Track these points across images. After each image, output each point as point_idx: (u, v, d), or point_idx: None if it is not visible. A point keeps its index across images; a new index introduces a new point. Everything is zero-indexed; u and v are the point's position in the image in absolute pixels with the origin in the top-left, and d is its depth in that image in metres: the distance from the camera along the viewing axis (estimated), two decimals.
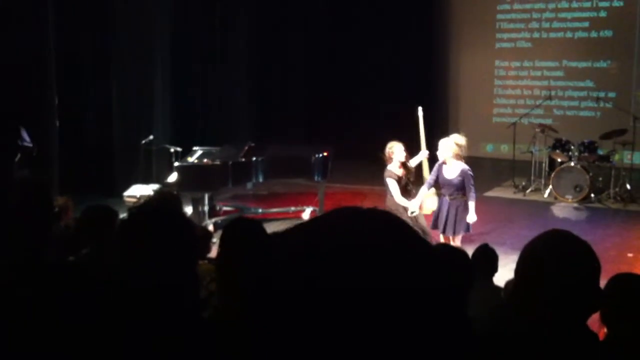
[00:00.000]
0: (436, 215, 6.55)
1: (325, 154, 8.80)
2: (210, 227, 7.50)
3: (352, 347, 0.67)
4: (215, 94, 12.36)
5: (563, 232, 1.82)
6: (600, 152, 10.28)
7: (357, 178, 11.07)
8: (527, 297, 1.75)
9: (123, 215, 2.21)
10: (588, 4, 11.84)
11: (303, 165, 8.78)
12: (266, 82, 13.36)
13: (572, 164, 10.08)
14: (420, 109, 7.08)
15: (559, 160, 10.36)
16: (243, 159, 8.39)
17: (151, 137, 10.04)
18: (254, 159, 8.44)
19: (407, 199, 6.44)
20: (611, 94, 11.62)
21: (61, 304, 1.23)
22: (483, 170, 10.61)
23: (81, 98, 10.04)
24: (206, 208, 8.26)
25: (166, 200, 4.22)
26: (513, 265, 1.84)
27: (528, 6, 12.31)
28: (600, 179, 10.39)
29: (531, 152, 10.84)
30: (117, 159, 10.23)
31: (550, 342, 1.69)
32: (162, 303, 1.63)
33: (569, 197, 10.10)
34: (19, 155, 7.49)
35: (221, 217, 8.64)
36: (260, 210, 9.38)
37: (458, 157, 6.30)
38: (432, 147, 6.70)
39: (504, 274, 4.21)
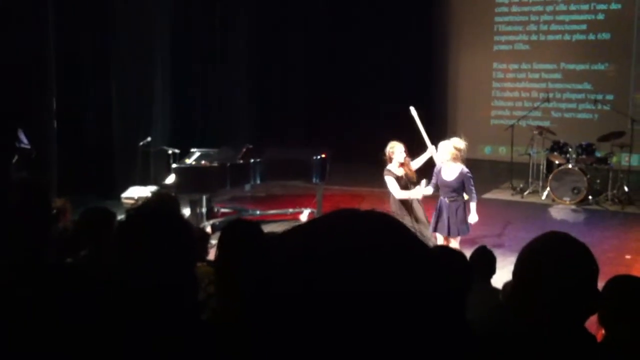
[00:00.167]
0: (436, 217, 6.55)
1: (323, 155, 8.76)
2: (208, 229, 7.50)
3: (351, 350, 0.67)
4: (215, 94, 12.35)
5: (561, 234, 1.82)
6: (598, 154, 10.29)
7: (355, 180, 11.07)
8: (525, 299, 1.76)
9: (121, 217, 2.21)
10: (586, 7, 11.85)
11: (301, 168, 8.74)
12: (266, 82, 13.35)
13: (570, 166, 10.08)
14: (412, 108, 7.07)
15: (557, 162, 10.36)
16: (241, 161, 8.37)
17: (149, 138, 10.02)
18: (251, 160, 8.43)
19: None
20: (609, 97, 11.64)
21: (61, 304, 1.23)
22: (481, 172, 10.60)
23: (81, 98, 10.00)
24: (204, 210, 8.25)
25: (164, 202, 4.21)
26: (511, 267, 1.84)
27: (526, 9, 12.33)
28: (598, 181, 10.39)
29: (529, 154, 10.85)
30: (116, 160, 10.20)
31: (549, 343, 1.70)
32: (160, 304, 1.63)
33: (567, 199, 10.11)
34: (16, 157, 7.46)
35: (219, 219, 8.64)
36: (258, 212, 9.37)
37: (457, 159, 6.30)
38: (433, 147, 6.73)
39: (502, 275, 4.21)
